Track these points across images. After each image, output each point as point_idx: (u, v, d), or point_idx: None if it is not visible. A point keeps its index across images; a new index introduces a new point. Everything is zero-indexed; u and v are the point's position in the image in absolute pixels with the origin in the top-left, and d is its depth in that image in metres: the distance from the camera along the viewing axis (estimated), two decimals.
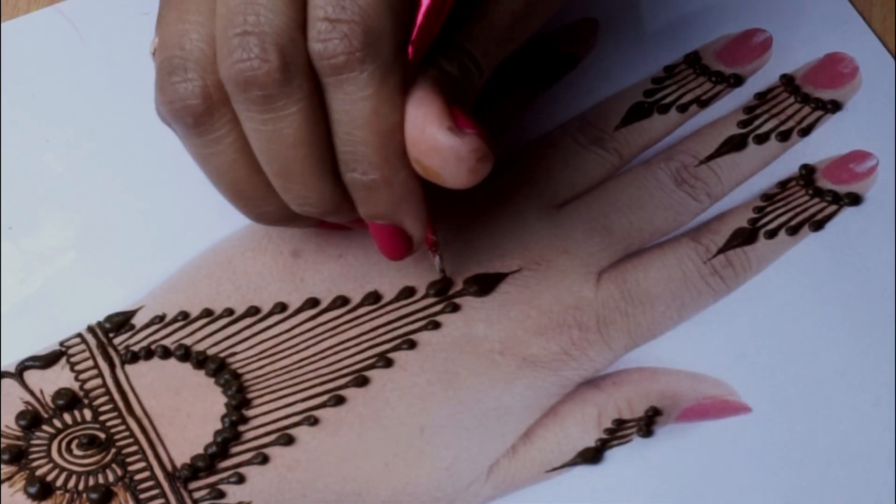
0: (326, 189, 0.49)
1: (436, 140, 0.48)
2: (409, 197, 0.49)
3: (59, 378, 0.53)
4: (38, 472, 0.51)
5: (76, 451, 0.52)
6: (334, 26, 0.46)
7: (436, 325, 0.54)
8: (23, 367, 0.53)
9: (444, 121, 0.48)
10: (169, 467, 0.51)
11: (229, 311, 0.54)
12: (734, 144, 0.58)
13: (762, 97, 0.59)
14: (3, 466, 0.51)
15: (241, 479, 0.51)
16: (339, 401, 0.53)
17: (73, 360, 0.53)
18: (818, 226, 0.56)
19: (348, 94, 0.47)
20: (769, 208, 0.56)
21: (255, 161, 0.49)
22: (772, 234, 0.56)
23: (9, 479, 0.51)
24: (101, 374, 0.53)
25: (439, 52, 0.49)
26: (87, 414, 0.52)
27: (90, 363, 0.53)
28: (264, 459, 0.52)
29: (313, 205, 0.50)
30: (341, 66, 0.47)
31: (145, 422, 0.52)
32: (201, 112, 0.48)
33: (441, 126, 0.48)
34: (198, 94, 0.48)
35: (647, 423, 0.52)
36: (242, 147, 0.49)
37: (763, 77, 0.60)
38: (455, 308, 0.54)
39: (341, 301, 0.54)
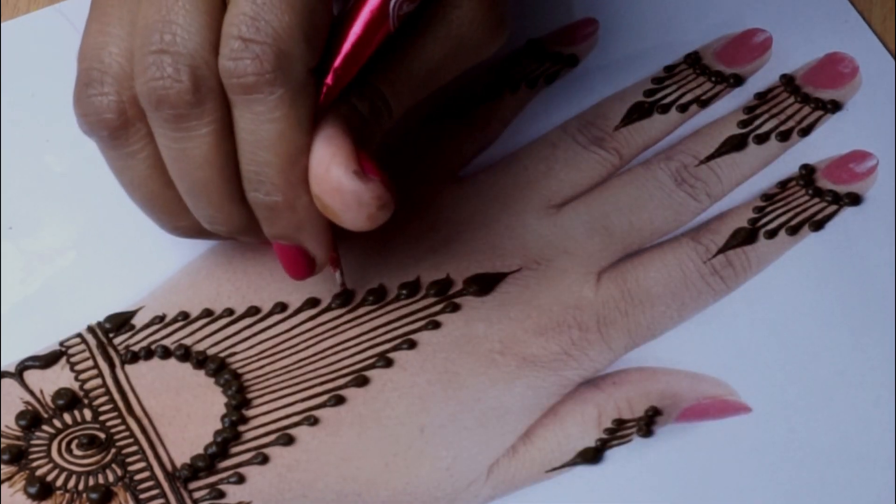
0: (234, 210, 0.49)
1: (340, 182, 0.48)
2: (312, 221, 0.49)
3: (59, 378, 0.53)
4: (38, 472, 0.51)
5: (76, 451, 0.52)
6: (247, 46, 0.47)
7: (436, 325, 0.54)
8: (23, 367, 0.53)
9: (350, 164, 0.48)
10: (169, 467, 0.51)
11: (229, 311, 0.54)
12: (734, 144, 0.58)
13: (762, 97, 0.59)
14: (3, 466, 0.51)
15: (241, 479, 0.51)
16: (339, 401, 0.53)
17: (73, 360, 0.53)
18: (818, 226, 0.56)
19: (256, 114, 0.47)
20: (769, 208, 0.56)
21: (168, 177, 0.50)
22: (772, 234, 0.56)
23: (9, 479, 0.51)
24: (101, 374, 0.53)
25: (353, 90, 0.49)
26: (87, 414, 0.52)
27: (90, 363, 0.53)
28: (264, 459, 0.52)
29: (221, 224, 0.50)
30: (251, 87, 0.47)
31: (145, 422, 0.52)
32: (116, 126, 0.49)
33: (347, 169, 0.48)
34: (113, 108, 0.49)
35: (647, 423, 0.52)
36: (156, 163, 0.49)
37: (763, 77, 0.60)
38: (455, 308, 0.54)
39: (341, 300, 0.54)
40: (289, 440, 0.52)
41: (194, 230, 0.52)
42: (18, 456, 0.51)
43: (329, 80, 0.48)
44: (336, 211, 0.49)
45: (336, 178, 0.48)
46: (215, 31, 0.47)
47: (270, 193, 0.49)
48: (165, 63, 0.47)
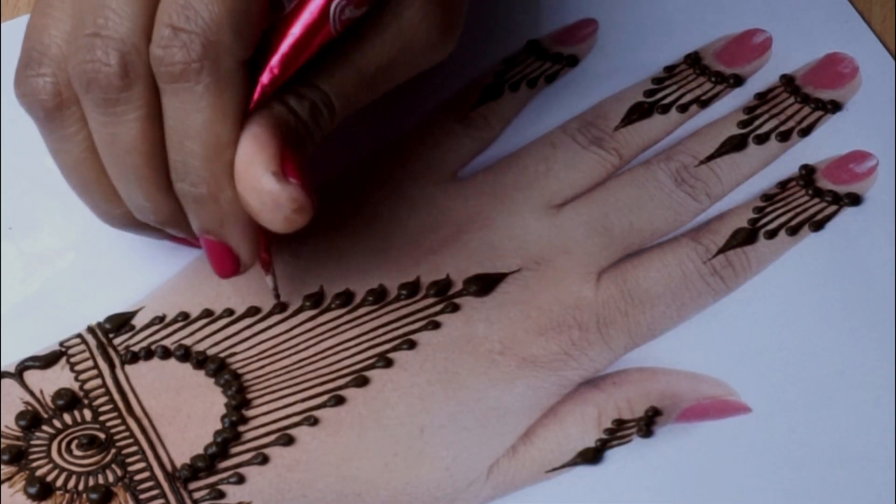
0: (161, 199, 0.49)
1: (258, 181, 0.48)
2: (236, 216, 0.49)
3: (59, 378, 0.53)
4: (38, 473, 0.51)
5: (76, 452, 0.52)
6: (176, 34, 0.47)
7: (436, 325, 0.54)
8: (23, 367, 0.53)
9: (271, 164, 0.48)
10: (169, 467, 0.51)
11: (229, 312, 0.54)
12: (734, 144, 0.58)
13: (762, 97, 0.59)
14: (3, 466, 0.51)
15: (241, 480, 0.51)
16: (339, 401, 0.53)
17: (73, 360, 0.53)
18: (818, 226, 0.56)
19: (183, 102, 0.47)
20: (769, 208, 0.56)
21: (102, 163, 0.50)
22: (772, 235, 0.56)
23: (9, 479, 0.51)
24: (101, 375, 0.53)
25: (291, 90, 0.49)
26: (87, 414, 0.52)
27: (90, 363, 0.53)
28: (264, 459, 0.52)
29: (150, 213, 0.50)
30: (178, 75, 0.47)
31: (145, 422, 0.52)
32: (51, 108, 0.49)
33: (266, 169, 0.48)
34: (49, 90, 0.49)
35: (647, 423, 0.52)
36: (91, 147, 0.50)
37: (763, 77, 0.60)
38: (455, 308, 0.54)
39: (341, 301, 0.54)
40: (289, 440, 0.52)
41: (128, 220, 0.51)
42: (18, 456, 0.51)
43: (265, 78, 0.48)
44: (255, 210, 0.48)
45: (255, 176, 0.48)
46: (149, 18, 0.47)
47: (195, 184, 0.48)
48: (96, 46, 0.47)
